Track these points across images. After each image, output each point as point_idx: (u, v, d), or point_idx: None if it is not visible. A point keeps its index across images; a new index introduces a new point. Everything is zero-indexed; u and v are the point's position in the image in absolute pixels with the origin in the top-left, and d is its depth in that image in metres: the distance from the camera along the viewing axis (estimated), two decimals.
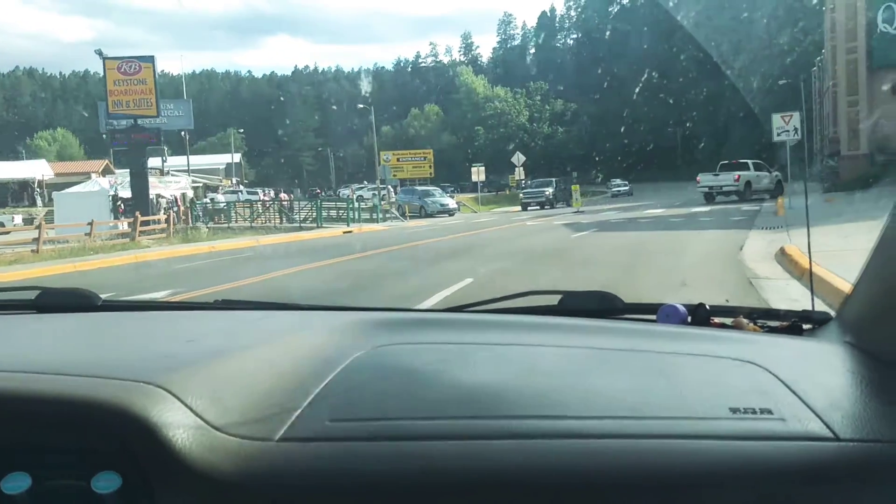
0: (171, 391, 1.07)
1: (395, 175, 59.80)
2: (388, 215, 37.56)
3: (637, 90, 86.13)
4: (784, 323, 1.67)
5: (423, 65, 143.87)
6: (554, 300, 1.76)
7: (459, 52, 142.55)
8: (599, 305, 1.74)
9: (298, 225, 33.98)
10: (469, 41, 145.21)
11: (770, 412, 1.07)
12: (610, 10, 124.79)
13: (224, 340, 1.51)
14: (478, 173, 48.01)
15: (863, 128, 30.09)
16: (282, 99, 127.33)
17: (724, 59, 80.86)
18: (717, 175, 35.18)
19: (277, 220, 36.08)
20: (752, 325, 1.67)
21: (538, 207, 41.48)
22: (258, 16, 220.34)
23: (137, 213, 30.95)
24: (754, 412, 1.07)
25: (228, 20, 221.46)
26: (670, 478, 0.97)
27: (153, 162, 51.80)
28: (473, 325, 1.62)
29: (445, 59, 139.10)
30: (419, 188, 46.17)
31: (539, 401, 1.12)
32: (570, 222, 25.42)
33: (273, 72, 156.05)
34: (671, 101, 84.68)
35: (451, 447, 1.01)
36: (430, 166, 59.51)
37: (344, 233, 28.83)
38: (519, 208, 44.98)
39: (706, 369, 1.26)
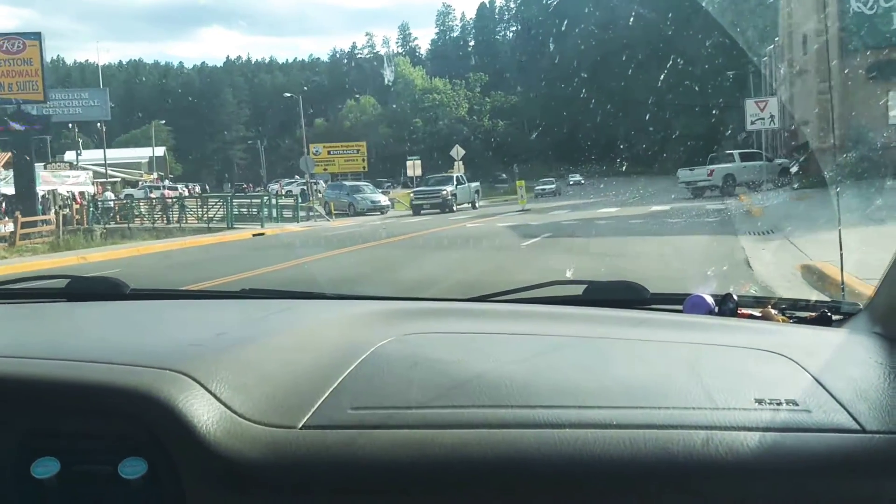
0: (197, 379, 1.08)
1: (325, 169, 55.89)
2: (311, 213, 33.32)
3: (576, 83, 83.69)
4: (812, 314, 1.64)
5: (359, 56, 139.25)
6: (579, 290, 1.74)
7: (397, 43, 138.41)
8: (625, 296, 1.73)
9: (207, 225, 29.63)
10: (407, 32, 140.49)
11: (796, 403, 1.06)
12: (549, 1, 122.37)
13: (249, 329, 1.51)
14: (413, 167, 44.06)
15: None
16: (212, 90, 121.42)
17: (669, 48, 78.99)
18: (693, 170, 32.36)
19: (187, 220, 31.64)
20: (780, 315, 1.65)
21: (437, 211, 33.60)
22: (192, 5, 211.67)
23: (17, 213, 26.58)
24: (779, 403, 1.06)
25: (161, 10, 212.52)
26: (694, 468, 0.95)
27: (68, 155, 47.57)
28: (497, 314, 1.62)
29: (383, 51, 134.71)
30: (348, 183, 41.55)
31: (563, 390, 1.11)
32: (516, 224, 21.77)
33: (204, 62, 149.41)
34: (614, 94, 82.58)
35: (473, 436, 1.00)
36: (364, 160, 55.50)
37: (254, 235, 24.62)
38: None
39: (732, 360, 1.25)
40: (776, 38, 44.71)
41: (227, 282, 11.34)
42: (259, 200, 31.43)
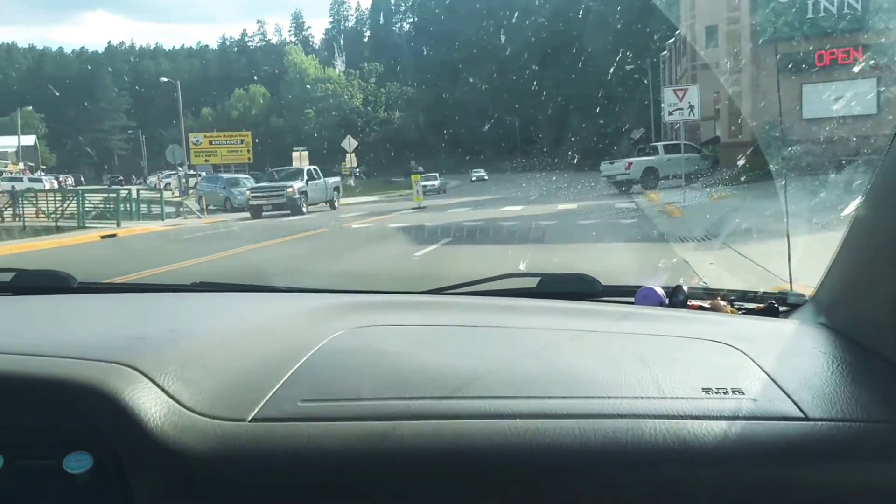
0: (144, 372, 1.07)
1: (206, 160, 51.66)
2: (182, 210, 29.42)
3: (474, 76, 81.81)
4: (760, 305, 1.67)
5: (249, 44, 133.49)
6: (532, 283, 1.75)
7: (290, 32, 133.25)
8: (578, 288, 1.75)
9: (56, 224, 25.50)
10: (300, 21, 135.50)
11: (741, 392, 1.07)
12: None
13: (198, 322, 1.49)
14: (300, 159, 40.52)
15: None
16: (91, 77, 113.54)
17: (566, 41, 78.07)
18: (612, 163, 30.24)
19: (38, 216, 27.31)
20: (729, 307, 1.68)
21: (279, 212, 27.12)
22: None
23: None
24: (726, 392, 1.07)
25: None
26: (641, 456, 0.97)
27: None
28: (450, 307, 1.63)
29: (275, 40, 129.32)
30: (225, 175, 37.44)
31: (515, 381, 1.11)
32: (409, 225, 18.72)
33: (84, 48, 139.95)
34: (509, 89, 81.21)
35: (423, 427, 0.99)
36: (249, 150, 51.46)
37: (103, 237, 20.81)
38: (352, 200, 37.92)
39: (681, 350, 1.27)
40: (676, 32, 43.47)
41: None
42: (116, 195, 27.26)
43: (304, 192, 28.11)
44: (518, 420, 1.00)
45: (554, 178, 42.92)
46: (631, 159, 28.72)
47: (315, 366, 1.17)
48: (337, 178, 34.34)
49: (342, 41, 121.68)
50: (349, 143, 45.19)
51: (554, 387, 1.10)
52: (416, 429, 1.00)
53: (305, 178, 29.11)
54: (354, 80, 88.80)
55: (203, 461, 0.97)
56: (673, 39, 45.40)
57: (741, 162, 20.03)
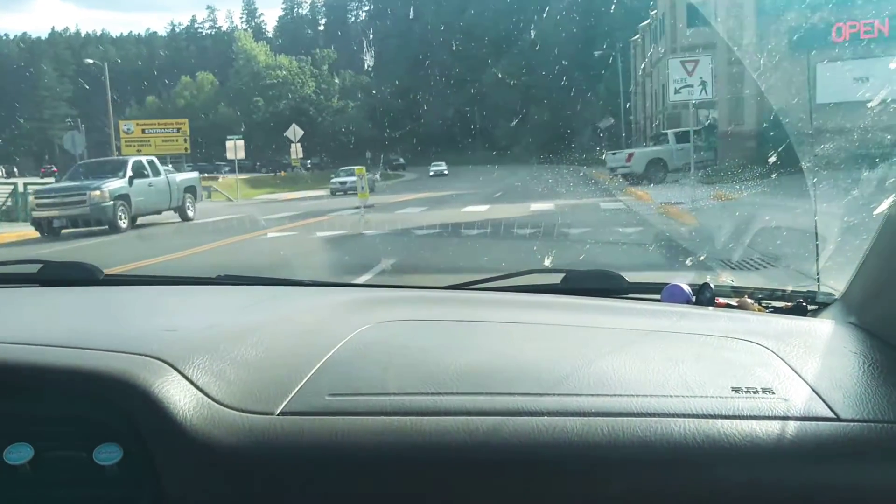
0: (174, 365, 1.07)
1: (139, 150, 46.34)
2: None
3: (433, 67, 77.57)
4: (788, 304, 1.64)
5: (200, 31, 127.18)
6: (557, 279, 1.73)
7: (241, 19, 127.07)
8: (603, 285, 1.72)
9: None
10: (252, 7, 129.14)
11: (772, 391, 1.06)
12: None
13: (226, 315, 1.49)
14: (234, 149, 35.72)
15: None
16: (31, 63, 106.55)
17: (528, 32, 74.27)
18: (615, 154, 26.62)
19: None
20: (756, 305, 1.65)
21: (84, 227, 16.79)
22: None
23: None
24: (756, 391, 1.06)
25: None
26: (672, 455, 0.96)
27: None
28: (475, 302, 1.60)
29: (226, 27, 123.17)
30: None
31: (541, 378, 1.10)
32: (345, 234, 14.10)
33: (26, 33, 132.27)
34: (470, 78, 77.34)
35: (450, 423, 0.99)
36: (186, 139, 46.36)
37: None
38: (296, 195, 33.33)
39: (709, 349, 1.25)
40: (653, 13, 39.50)
41: None
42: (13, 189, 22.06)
43: (122, 197, 17.82)
44: (546, 417, 0.99)
45: (521, 173, 38.72)
46: (632, 150, 24.64)
47: (342, 359, 1.16)
48: (192, 175, 24.45)
49: (296, 29, 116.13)
50: (294, 132, 40.50)
51: (582, 384, 1.08)
52: (443, 424, 0.98)
53: (129, 173, 18.67)
54: (306, 68, 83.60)
55: (232, 454, 0.96)
56: (648, 21, 41.54)
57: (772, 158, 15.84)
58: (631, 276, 1.73)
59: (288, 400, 1.03)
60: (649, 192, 20.68)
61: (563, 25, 66.67)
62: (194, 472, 0.97)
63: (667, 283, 1.68)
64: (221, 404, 1.02)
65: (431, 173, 52.98)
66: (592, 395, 1.05)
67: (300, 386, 1.07)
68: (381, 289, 1.79)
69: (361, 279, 7.97)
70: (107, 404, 1.01)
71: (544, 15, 70.66)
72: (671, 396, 1.04)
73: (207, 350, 1.15)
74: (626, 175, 24.77)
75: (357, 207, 21.24)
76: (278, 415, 1.01)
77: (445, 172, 52.32)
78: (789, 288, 1.73)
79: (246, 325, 1.34)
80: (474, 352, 1.22)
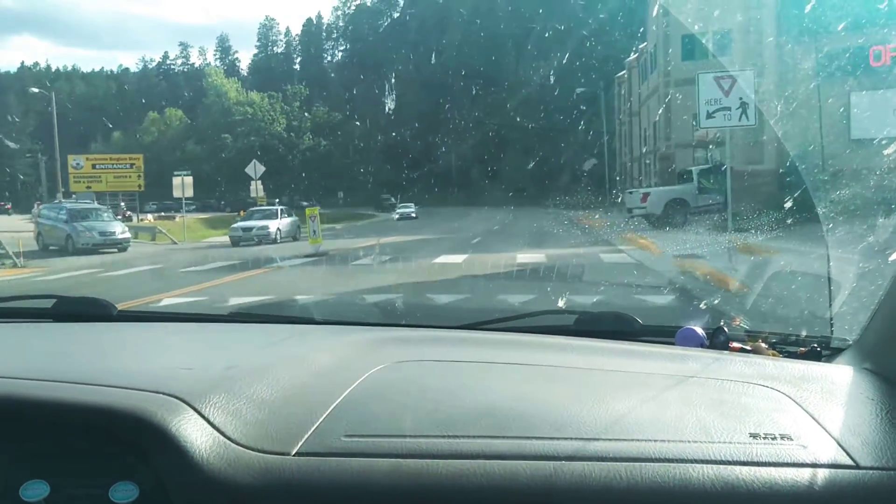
0: (190, 403, 1.06)
1: (88, 187, 42.53)
2: None
3: (408, 107, 74.82)
4: (803, 349, 1.62)
5: (172, 68, 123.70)
6: (569, 320, 1.72)
7: (215, 56, 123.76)
8: (616, 327, 1.70)
9: None
10: (227, 45, 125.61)
11: (790, 438, 1.04)
12: (380, 22, 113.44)
13: (241, 353, 1.48)
14: (182, 186, 31.99)
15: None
16: None
17: (508, 72, 71.67)
18: (632, 193, 23.55)
19: None
20: (770, 350, 1.63)
21: None
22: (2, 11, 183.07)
23: None
24: (774, 438, 1.04)
25: None
26: (691, 501, 0.94)
27: None
28: (490, 343, 1.60)
29: (199, 63, 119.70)
30: (68, 205, 27.10)
31: (558, 421, 1.08)
32: (273, 301, 9.79)
33: None
34: (446, 119, 74.60)
35: (468, 466, 0.97)
36: (140, 175, 42.45)
37: None
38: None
39: (725, 393, 1.22)
40: (641, 46, 36.61)
41: None
42: None
43: None
44: (563, 462, 0.97)
45: (499, 216, 35.31)
46: (648, 189, 21.29)
47: (358, 400, 1.14)
48: None
49: (271, 66, 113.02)
50: (255, 168, 36.81)
51: (598, 428, 1.06)
52: (459, 468, 0.97)
53: None
54: (276, 104, 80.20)
55: (247, 494, 0.95)
56: (636, 55, 38.67)
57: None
58: (644, 319, 1.68)
59: (304, 440, 1.01)
60: (652, 238, 17.30)
61: (541, 64, 64.09)
62: None
63: (680, 327, 1.64)
64: (238, 444, 1.00)
65: (397, 216, 46.38)
66: (609, 439, 1.02)
67: (316, 426, 1.05)
68: (395, 328, 1.75)
69: None
70: (123, 441, 1.00)
71: (522, 53, 68.18)
72: (689, 442, 1.01)
73: (224, 389, 1.12)
74: (645, 217, 21.35)
75: (308, 256, 17.65)
76: (294, 455, 0.99)
77: (413, 215, 46.05)
78: (803, 333, 1.70)
79: (262, 363, 1.31)
80: (490, 393, 1.19)
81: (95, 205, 29.04)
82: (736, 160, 20.34)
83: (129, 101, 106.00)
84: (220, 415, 1.05)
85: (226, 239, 27.82)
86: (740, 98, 11.09)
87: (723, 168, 16.54)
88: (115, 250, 23.18)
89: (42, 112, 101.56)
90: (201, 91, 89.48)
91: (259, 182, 38.90)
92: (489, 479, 0.95)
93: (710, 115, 11.12)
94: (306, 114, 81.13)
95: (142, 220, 43.48)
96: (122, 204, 46.12)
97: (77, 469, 1.01)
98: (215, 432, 1.01)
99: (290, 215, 28.74)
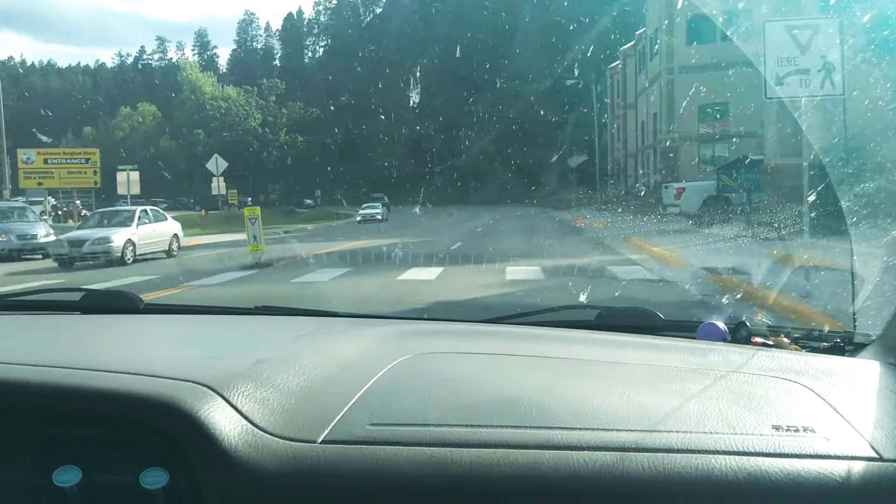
0: (219, 391, 1.06)
1: (40, 184, 38.82)
2: None
3: (388, 103, 71.37)
4: (825, 343, 1.62)
5: (148, 63, 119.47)
6: (591, 315, 1.73)
7: (193, 51, 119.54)
8: (638, 322, 1.71)
9: None
10: (205, 39, 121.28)
11: (813, 430, 1.04)
12: (363, 18, 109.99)
13: (267, 344, 1.50)
14: (127, 182, 28.43)
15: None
16: None
17: (490, 67, 68.37)
18: (667, 188, 20.16)
19: None
20: (793, 345, 1.62)
21: None
22: None
23: None
24: (797, 430, 1.04)
25: None
26: (714, 492, 0.94)
27: None
28: (512, 336, 1.60)
29: (176, 58, 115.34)
30: None
31: (580, 412, 1.08)
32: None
33: None
34: (429, 117, 71.25)
35: (491, 455, 0.98)
36: (96, 172, 38.48)
37: None
38: (213, 239, 24.71)
39: (748, 386, 1.22)
40: (639, 32, 33.23)
41: None
42: None
43: None
44: (586, 452, 0.97)
45: (484, 216, 31.94)
46: (683, 184, 17.99)
47: (382, 390, 1.15)
48: None
49: (250, 62, 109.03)
50: (216, 164, 33.29)
51: (621, 419, 1.06)
52: (483, 457, 0.97)
53: None
54: (252, 98, 76.37)
55: (275, 481, 0.96)
56: (631, 43, 35.33)
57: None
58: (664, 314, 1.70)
59: (330, 429, 1.02)
60: (646, 241, 14.00)
61: (527, 56, 60.82)
62: (238, 499, 0.95)
63: (702, 321, 1.64)
64: (265, 431, 1.00)
65: (359, 218, 40.34)
66: (632, 430, 1.02)
67: (341, 415, 1.05)
68: (417, 321, 1.72)
69: None
70: (153, 429, 1.00)
71: (510, 45, 64.95)
72: (712, 433, 1.01)
73: (251, 377, 1.13)
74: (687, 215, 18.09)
75: (244, 268, 14.13)
76: (320, 443, 0.99)
77: (379, 217, 39.84)
78: (826, 328, 1.69)
79: (288, 353, 1.31)
80: (513, 384, 1.19)
81: (21, 203, 25.21)
82: (767, 155, 16.99)
83: (104, 96, 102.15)
84: (248, 403, 1.05)
85: (193, 241, 24.09)
86: (822, 57, 7.79)
87: (747, 161, 13.15)
88: (40, 256, 19.46)
89: (11, 107, 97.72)
90: (177, 86, 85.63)
91: (221, 178, 35.42)
92: (512, 467, 0.95)
93: (780, 81, 7.80)
94: (283, 109, 77.27)
95: None
96: (78, 203, 42.27)
97: (107, 455, 1.01)
98: (243, 420, 1.01)
99: (159, 218, 19.85)
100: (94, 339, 1.56)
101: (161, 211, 21.44)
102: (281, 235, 31.17)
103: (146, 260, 17.70)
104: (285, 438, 1.00)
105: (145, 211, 19.41)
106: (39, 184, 38.48)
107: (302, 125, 77.16)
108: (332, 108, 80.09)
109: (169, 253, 19.01)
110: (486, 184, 52.87)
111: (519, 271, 11.74)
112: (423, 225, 30.34)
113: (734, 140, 23.65)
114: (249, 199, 66.51)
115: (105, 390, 1.05)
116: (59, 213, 41.10)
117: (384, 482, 0.95)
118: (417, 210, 46.58)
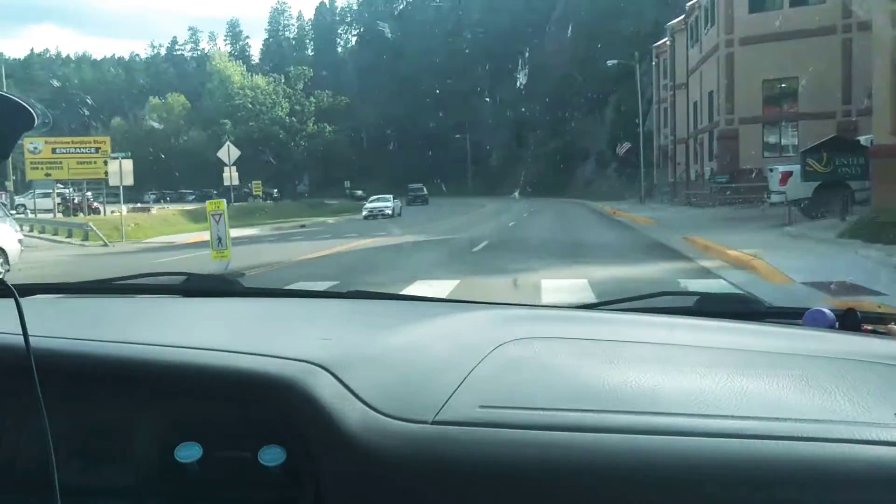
0: (332, 370, 1.07)
1: (48, 174, 36.58)
2: None
3: (422, 92, 68.52)
4: None
5: (181, 53, 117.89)
6: (690, 301, 1.68)
7: (225, 41, 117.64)
8: (740, 308, 1.67)
9: None
10: (237, 30, 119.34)
11: None
12: (395, 6, 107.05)
13: (372, 326, 1.49)
14: (120, 172, 25.87)
15: None
16: None
17: (525, 56, 65.13)
18: (772, 171, 16.76)
19: None
20: None
21: None
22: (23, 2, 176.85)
23: None
24: None
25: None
26: (836, 481, 0.90)
27: None
28: (611, 321, 1.57)
29: (208, 48, 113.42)
30: None
31: (689, 398, 1.05)
32: None
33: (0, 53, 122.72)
34: (461, 106, 68.19)
35: (603, 440, 0.96)
36: (106, 162, 35.99)
37: None
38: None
39: (863, 374, 1.16)
40: (690, 3, 29.66)
41: None
42: None
43: None
44: (698, 438, 0.93)
45: (515, 208, 28.78)
46: (789, 167, 14.77)
47: (488, 373, 1.13)
48: None
49: (283, 52, 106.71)
50: (228, 152, 30.72)
51: (741, 406, 1.02)
52: (596, 441, 0.95)
53: None
54: (279, 87, 73.71)
55: (390, 461, 0.96)
56: (681, 17, 31.75)
57: None
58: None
59: (440, 410, 1.00)
60: (739, 251, 10.78)
61: (565, 39, 57.29)
62: (354, 478, 0.96)
63: (808, 308, 1.57)
64: (378, 411, 1.00)
65: (365, 213, 36.83)
66: (742, 417, 0.98)
67: (451, 396, 1.04)
68: (514, 307, 1.71)
69: None
70: (271, 407, 1.01)
71: (543, 33, 61.55)
72: (832, 422, 0.97)
73: (361, 358, 1.14)
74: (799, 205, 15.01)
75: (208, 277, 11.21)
76: (432, 423, 0.98)
77: (388, 212, 36.27)
78: None
79: (391, 335, 1.32)
80: (619, 369, 1.16)
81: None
82: (876, 134, 13.54)
83: (137, 87, 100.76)
84: (360, 382, 1.05)
85: (185, 238, 21.35)
86: None
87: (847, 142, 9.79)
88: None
89: (48, 101, 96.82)
90: (206, 76, 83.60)
91: (233, 168, 32.79)
92: (620, 453, 0.93)
93: None
94: (311, 97, 74.48)
95: (113, 212, 37.26)
96: (89, 194, 39.95)
97: (227, 433, 1.02)
98: (357, 400, 1.01)
99: None
100: (201, 321, 1.54)
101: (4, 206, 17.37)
102: (285, 231, 28.33)
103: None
104: (399, 419, 0.98)
105: None
106: (47, 174, 36.20)
107: (330, 114, 74.37)
108: (360, 97, 77.47)
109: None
110: (519, 174, 49.65)
111: (558, 287, 8.66)
112: (448, 219, 27.30)
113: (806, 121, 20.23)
114: (276, 190, 64.20)
115: (225, 369, 1.06)
116: (70, 205, 39.08)
117: (497, 464, 0.93)
118: (449, 201, 43.46)
